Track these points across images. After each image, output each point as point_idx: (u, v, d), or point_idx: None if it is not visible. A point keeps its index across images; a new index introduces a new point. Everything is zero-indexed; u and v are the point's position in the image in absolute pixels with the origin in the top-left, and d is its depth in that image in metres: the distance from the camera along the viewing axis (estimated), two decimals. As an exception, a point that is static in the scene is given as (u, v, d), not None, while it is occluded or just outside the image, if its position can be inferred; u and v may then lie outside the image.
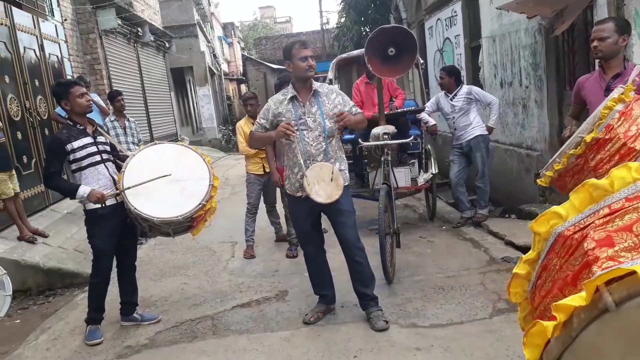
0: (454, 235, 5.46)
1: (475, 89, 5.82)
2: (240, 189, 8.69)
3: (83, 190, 3.45)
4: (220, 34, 27.80)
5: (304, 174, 3.35)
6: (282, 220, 5.77)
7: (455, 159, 5.77)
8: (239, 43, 35.93)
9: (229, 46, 31.18)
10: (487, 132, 5.66)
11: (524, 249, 4.63)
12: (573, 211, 1.30)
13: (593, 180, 1.31)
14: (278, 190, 5.65)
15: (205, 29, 20.98)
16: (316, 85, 3.49)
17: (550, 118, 5.56)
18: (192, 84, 19.96)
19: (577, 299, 1.02)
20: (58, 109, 6.62)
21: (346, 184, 3.50)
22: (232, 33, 32.86)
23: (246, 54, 32.91)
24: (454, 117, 5.68)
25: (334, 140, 3.51)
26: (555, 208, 1.35)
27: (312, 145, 3.43)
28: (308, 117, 3.43)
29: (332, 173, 3.34)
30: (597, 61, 3.43)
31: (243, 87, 30.95)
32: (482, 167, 5.63)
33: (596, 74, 3.31)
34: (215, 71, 23.08)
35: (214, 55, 23.27)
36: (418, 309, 3.72)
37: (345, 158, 3.69)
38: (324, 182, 3.33)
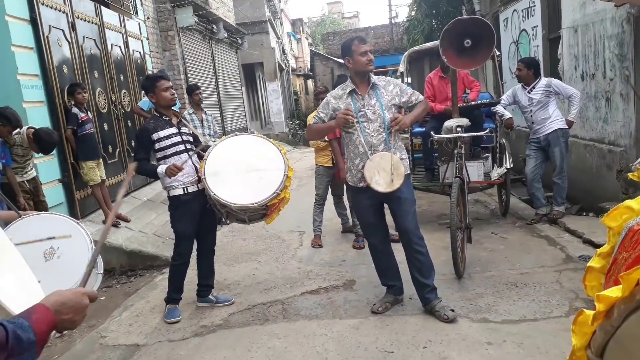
0: (528, 232, 5.28)
1: (555, 81, 5.58)
2: (306, 181, 8.85)
3: (161, 168, 3.70)
4: (289, 30, 28.22)
5: (364, 164, 3.41)
6: (349, 211, 5.82)
7: (532, 153, 5.57)
8: (307, 39, 36.29)
9: (297, 42, 31.58)
10: (566, 126, 5.42)
11: (604, 249, 4.41)
12: None
13: None
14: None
15: (275, 26, 21.37)
16: (374, 78, 3.56)
17: (637, 112, 5.23)
18: (261, 80, 20.42)
19: (616, 291, 1.03)
20: (140, 103, 7.04)
21: (407, 172, 3.52)
22: (301, 29, 33.24)
23: (314, 50, 33.20)
24: (531, 111, 5.48)
25: (394, 131, 3.54)
26: (628, 202, 1.33)
27: (373, 136, 3.48)
28: (367, 109, 3.50)
29: (393, 162, 3.38)
30: None
31: (309, 83, 31.26)
32: (560, 163, 5.40)
33: None
34: (284, 67, 23.47)
35: (283, 51, 23.67)
36: (490, 304, 3.65)
37: (404, 147, 3.72)
38: (385, 171, 3.38)
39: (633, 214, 1.28)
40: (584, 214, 5.79)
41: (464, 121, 4.81)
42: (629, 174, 2.78)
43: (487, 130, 5.13)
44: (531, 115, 5.50)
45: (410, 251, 3.60)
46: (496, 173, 5.57)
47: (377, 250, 3.78)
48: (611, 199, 5.59)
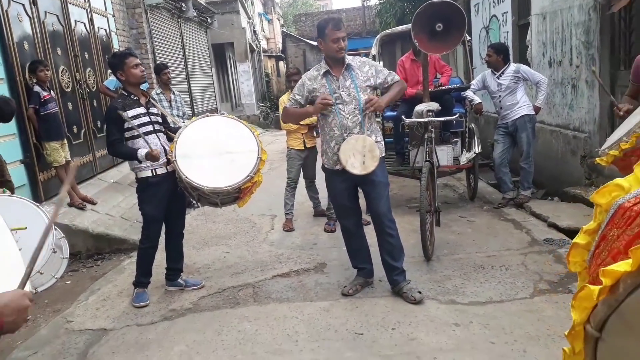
0: (495, 215, 5.40)
1: (524, 67, 5.66)
2: (278, 164, 8.80)
3: (140, 152, 3.59)
4: (260, 11, 27.79)
5: (340, 147, 3.41)
6: (321, 195, 5.83)
7: (500, 138, 5.66)
8: (279, 20, 35.84)
9: (269, 23, 31.17)
10: (534, 112, 5.52)
11: (567, 232, 4.56)
12: (636, 184, 1.29)
13: None
14: (318, 165, 5.69)
15: (246, 5, 21.00)
16: (348, 59, 3.52)
17: (601, 99, 5.37)
18: (232, 60, 20.10)
19: (623, 265, 1.04)
20: (107, 82, 6.83)
21: (382, 155, 3.53)
22: (272, 9, 32.79)
23: (286, 31, 32.83)
24: (500, 96, 5.56)
25: (370, 113, 3.52)
26: (618, 180, 1.34)
27: (348, 118, 3.47)
28: (342, 90, 3.47)
29: (367, 145, 3.38)
30: None
31: (281, 65, 30.96)
32: (527, 148, 5.51)
33: None
34: (255, 48, 23.15)
35: (254, 32, 23.32)
36: (457, 286, 3.72)
37: (379, 130, 3.72)
38: (360, 154, 3.38)
39: (622, 191, 1.30)
40: (549, 198, 5.94)
41: (435, 105, 4.85)
42: (596, 159, 2.85)
43: (457, 115, 5.19)
44: (500, 101, 5.58)
45: (382, 234, 3.63)
46: (465, 157, 5.65)
47: (349, 232, 3.79)
48: (575, 184, 5.76)
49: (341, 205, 3.74)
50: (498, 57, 5.54)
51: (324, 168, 3.82)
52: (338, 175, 3.56)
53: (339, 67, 3.51)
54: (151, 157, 3.57)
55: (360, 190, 3.71)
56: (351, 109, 3.47)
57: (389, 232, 3.60)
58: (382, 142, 3.64)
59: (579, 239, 1.42)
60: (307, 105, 3.59)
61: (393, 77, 3.60)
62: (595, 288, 1.10)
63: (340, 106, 3.47)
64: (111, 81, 6.61)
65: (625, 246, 1.16)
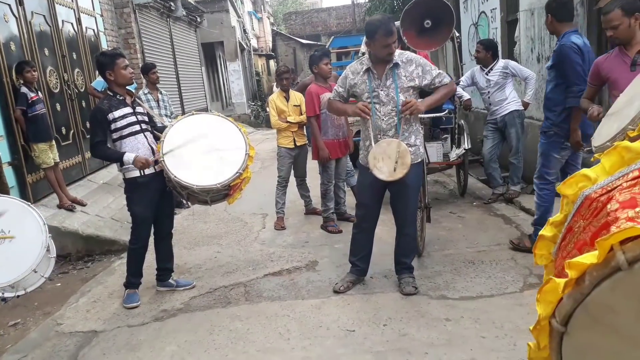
0: (485, 211, 5.43)
1: (512, 63, 5.69)
2: (269, 163, 8.79)
3: (128, 156, 3.55)
4: (250, 9, 27.70)
5: (369, 149, 3.34)
6: (312, 193, 5.83)
7: (489, 134, 5.69)
8: (269, 18, 35.75)
9: (259, 21, 31.06)
10: (522, 108, 5.56)
11: (557, 226, 4.58)
12: (603, 174, 1.27)
13: (626, 143, 1.26)
14: (308, 163, 5.69)
15: (235, 4, 20.92)
16: (396, 56, 3.36)
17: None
18: (222, 59, 20.02)
19: (589, 257, 1.01)
20: (94, 83, 6.77)
21: (418, 160, 3.47)
22: (262, 8, 32.68)
23: (276, 29, 32.75)
24: (489, 92, 5.59)
25: (410, 115, 3.36)
26: (584, 171, 1.32)
27: (383, 120, 3.38)
28: (382, 90, 3.38)
29: (399, 150, 3.24)
30: None
31: (272, 63, 30.89)
32: (516, 144, 5.55)
33: (616, 52, 3.22)
34: (245, 46, 23.08)
35: (244, 31, 23.24)
36: (448, 281, 3.74)
37: (421, 132, 3.58)
38: (390, 159, 3.25)
39: (589, 182, 1.27)
40: (539, 193, 5.97)
41: (424, 102, 4.84)
42: (595, 155, 2.81)
43: (446, 112, 5.20)
44: (489, 97, 5.61)
45: (401, 233, 3.68)
46: (455, 154, 5.67)
47: (360, 229, 3.75)
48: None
49: (363, 203, 3.70)
50: (487, 53, 5.57)
51: (359, 164, 3.72)
52: (369, 175, 3.41)
53: (383, 65, 3.38)
54: (140, 164, 3.53)
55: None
56: (388, 110, 3.37)
57: (407, 232, 3.66)
58: (422, 146, 3.56)
59: (546, 231, 1.40)
60: (348, 104, 3.54)
61: (442, 78, 3.40)
62: (561, 281, 1.07)
63: (377, 106, 3.38)
64: (99, 82, 6.56)
65: (591, 238, 1.13)
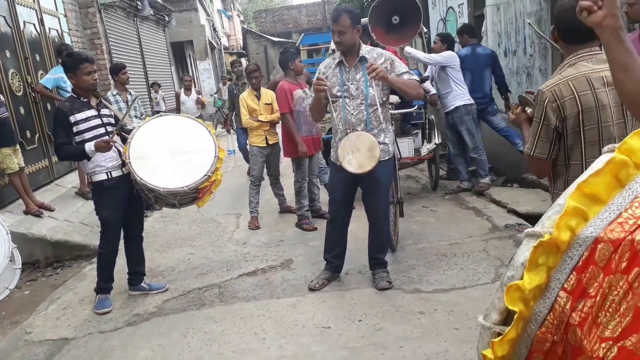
0: (457, 204, 5.49)
1: (446, 53, 5.70)
2: (242, 162, 8.72)
3: (89, 146, 3.45)
4: (219, 7, 27.43)
5: (339, 143, 3.34)
6: (286, 192, 5.81)
7: (448, 131, 5.78)
8: (239, 16, 35.44)
9: (229, 19, 30.76)
10: (470, 102, 5.57)
11: (526, 217, 4.68)
12: (594, 204, 0.96)
13: (614, 156, 0.97)
14: (281, 162, 5.67)
15: (204, 3, 20.69)
16: (364, 51, 3.38)
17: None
18: (192, 58, 19.79)
19: None
20: (43, 80, 6.37)
21: (387, 158, 3.47)
22: (232, 6, 32.39)
23: (246, 27, 32.51)
24: (436, 84, 5.68)
25: (380, 110, 3.38)
26: (572, 203, 0.96)
27: (352, 114, 3.38)
28: (351, 83, 3.37)
29: (368, 143, 3.26)
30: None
31: (243, 61, 30.64)
32: (471, 140, 5.58)
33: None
34: (215, 45, 22.86)
35: (214, 29, 23.01)
36: (421, 275, 3.78)
37: (391, 131, 3.58)
38: (359, 152, 3.26)
39: (583, 220, 0.96)
40: (509, 185, 6.08)
41: (394, 98, 4.88)
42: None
43: (416, 107, 5.24)
44: (438, 89, 5.69)
45: (373, 230, 3.70)
46: (426, 149, 5.72)
47: (334, 226, 3.76)
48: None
49: (335, 199, 3.70)
50: (442, 45, 5.64)
51: (330, 159, 3.73)
52: (339, 171, 3.44)
53: (353, 57, 3.37)
54: (100, 146, 3.42)
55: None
56: (357, 104, 3.37)
57: (380, 228, 3.68)
58: (392, 145, 3.56)
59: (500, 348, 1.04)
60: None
61: (410, 76, 3.39)
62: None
63: (347, 100, 3.37)
64: (49, 79, 6.20)
65: None
